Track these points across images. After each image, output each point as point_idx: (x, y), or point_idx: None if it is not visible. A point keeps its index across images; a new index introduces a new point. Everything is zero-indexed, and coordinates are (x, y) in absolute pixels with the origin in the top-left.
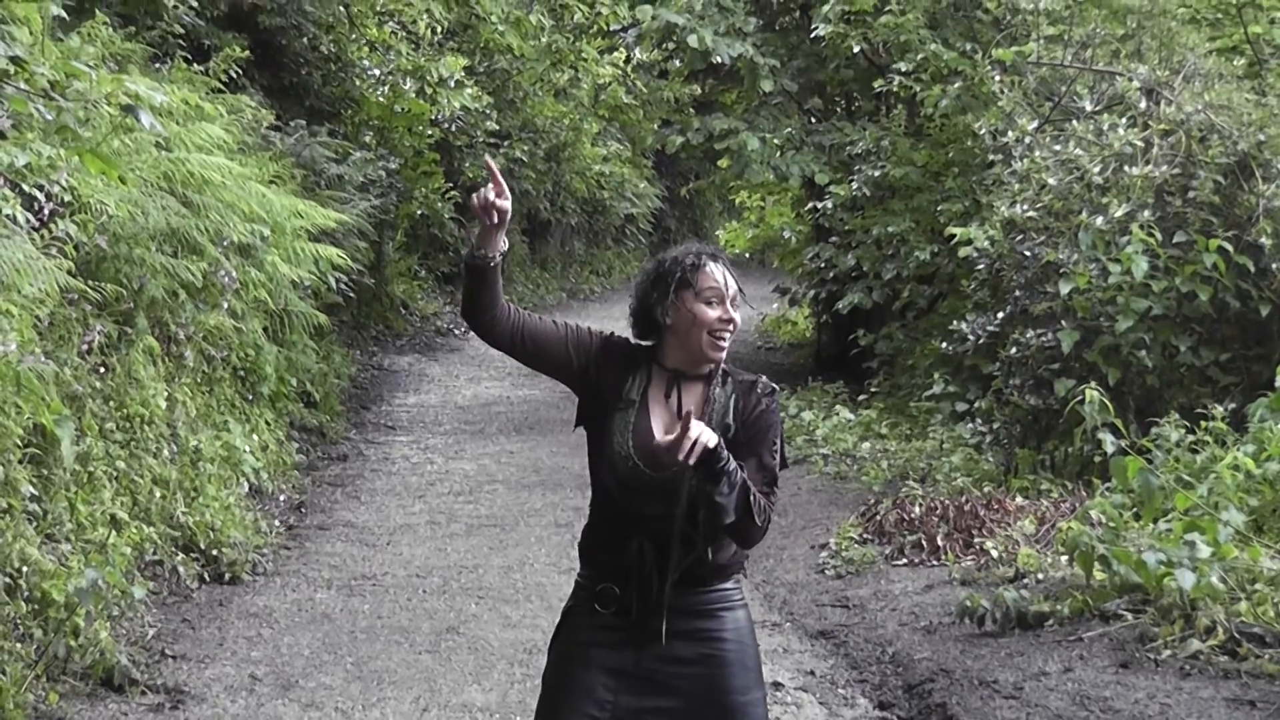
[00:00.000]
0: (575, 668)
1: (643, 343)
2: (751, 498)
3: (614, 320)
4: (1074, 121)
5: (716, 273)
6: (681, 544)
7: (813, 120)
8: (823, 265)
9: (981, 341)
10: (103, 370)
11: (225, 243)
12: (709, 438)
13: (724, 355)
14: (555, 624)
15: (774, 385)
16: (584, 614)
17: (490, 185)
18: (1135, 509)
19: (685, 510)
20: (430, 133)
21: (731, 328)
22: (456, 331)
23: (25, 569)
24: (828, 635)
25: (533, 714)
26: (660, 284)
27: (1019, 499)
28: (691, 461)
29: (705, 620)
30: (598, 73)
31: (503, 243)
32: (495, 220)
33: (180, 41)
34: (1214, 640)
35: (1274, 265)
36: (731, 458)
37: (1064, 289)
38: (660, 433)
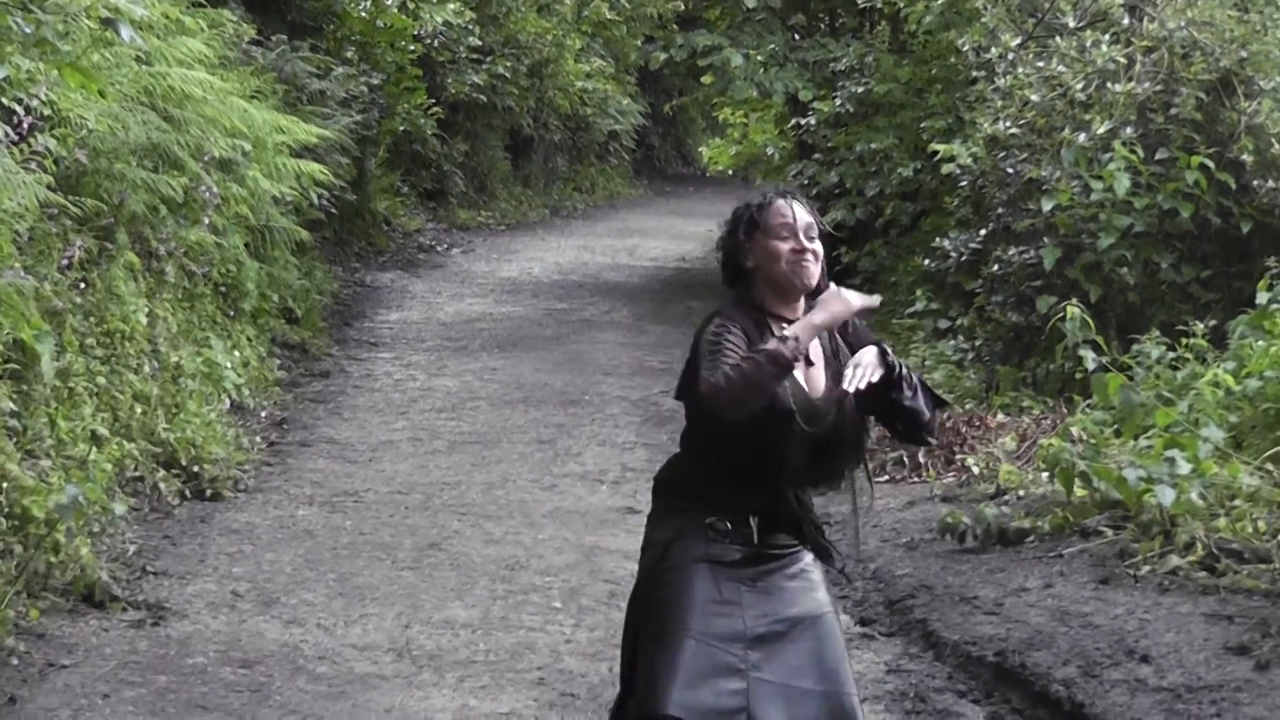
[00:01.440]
0: (700, 585)
1: (740, 301)
2: (922, 387)
3: (597, 236)
4: (1057, 38)
5: (784, 208)
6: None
7: (796, 37)
8: (806, 182)
9: (964, 258)
10: (83, 286)
11: (206, 158)
12: (873, 357)
13: (814, 280)
14: (647, 555)
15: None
16: (694, 539)
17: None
18: (1116, 426)
19: (839, 455)
20: (413, 48)
21: (809, 257)
22: (439, 248)
23: (5, 485)
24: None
25: (516, 628)
26: (735, 231)
27: (1000, 416)
28: (863, 383)
29: (801, 546)
30: None
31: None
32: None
33: None
34: (1193, 556)
35: (1255, 182)
36: (902, 364)
37: (1046, 206)
38: (805, 384)
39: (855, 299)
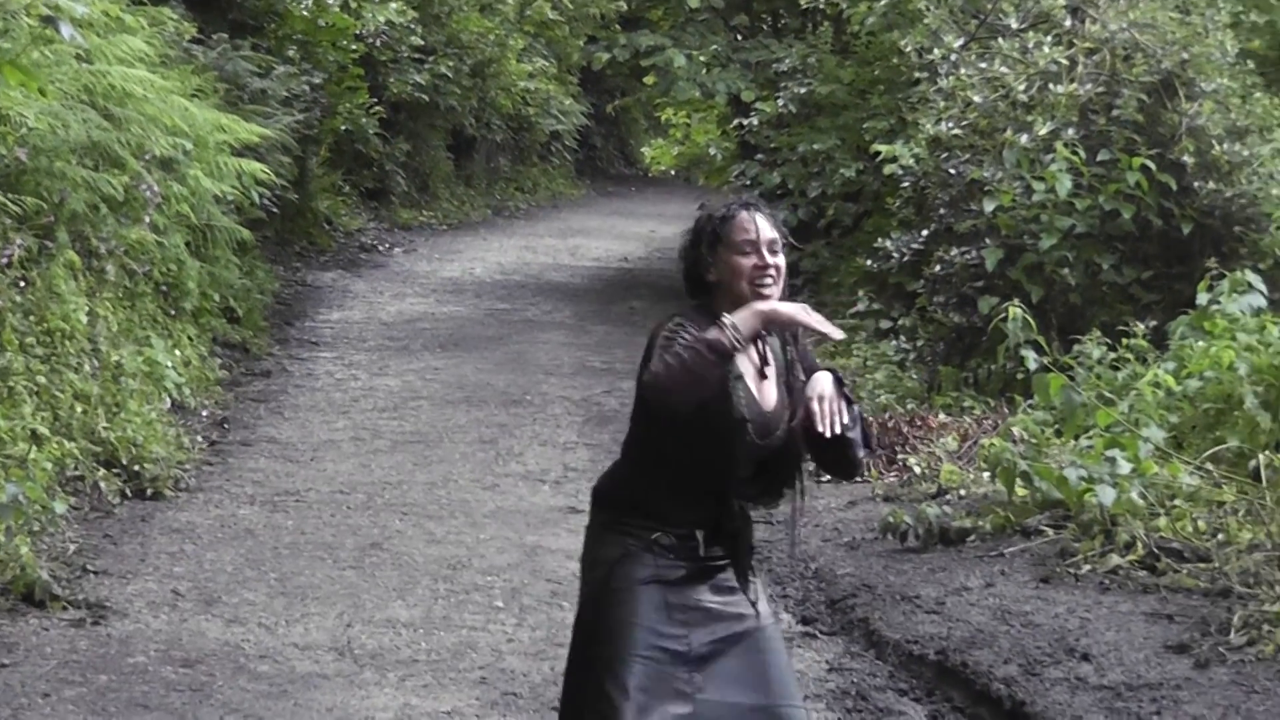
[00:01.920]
0: (648, 609)
1: (701, 309)
2: (865, 424)
3: (539, 236)
4: (999, 39)
5: (748, 221)
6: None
7: (739, 37)
8: (748, 183)
9: (906, 259)
10: (22, 284)
11: (147, 156)
12: (828, 385)
13: (775, 298)
14: (593, 573)
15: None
16: (641, 558)
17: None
18: (1057, 426)
19: (785, 463)
20: (355, 47)
21: (771, 273)
22: (381, 248)
23: None
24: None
25: (458, 628)
26: (697, 243)
27: (942, 416)
28: (843, 426)
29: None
30: None
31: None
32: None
33: None
34: (1133, 555)
35: (1196, 184)
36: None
37: (988, 207)
38: (757, 395)
39: (810, 315)
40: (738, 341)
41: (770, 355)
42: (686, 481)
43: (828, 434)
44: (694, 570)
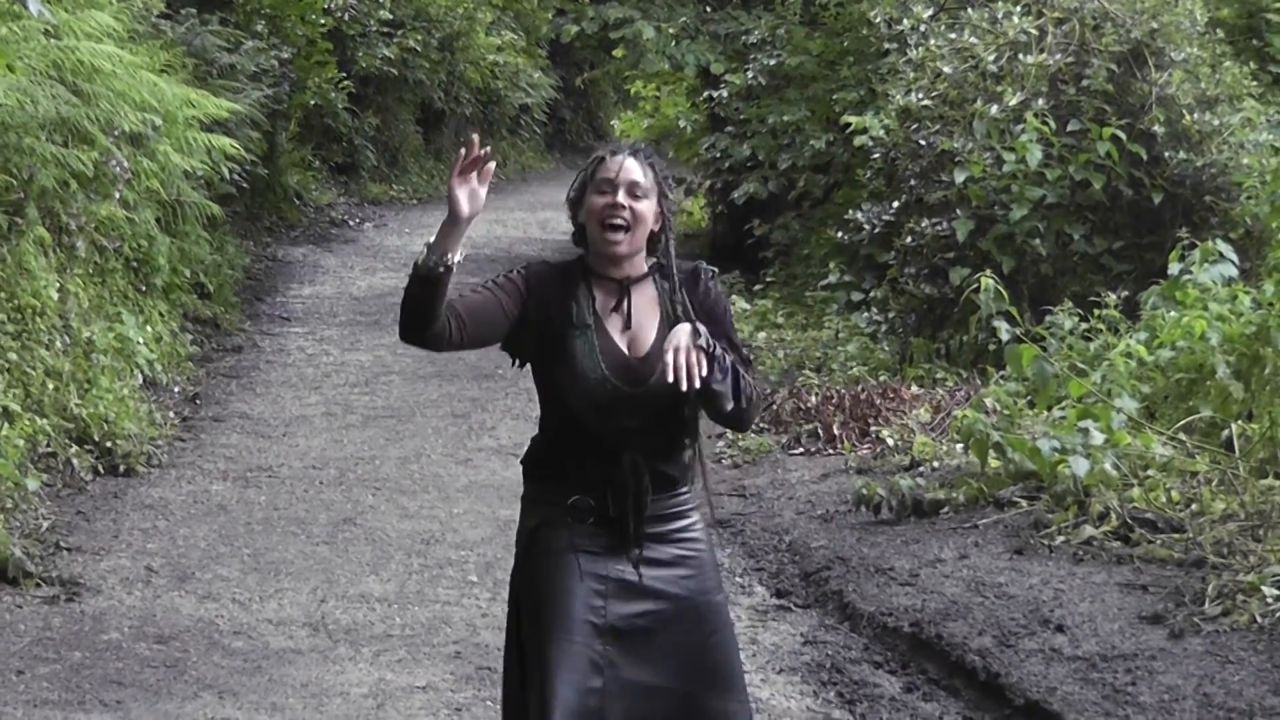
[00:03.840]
0: (562, 579)
1: (569, 258)
2: (741, 380)
3: (509, 210)
4: (969, 9)
5: (613, 163)
6: (669, 449)
7: (708, 9)
8: (718, 155)
9: (876, 230)
10: None
11: (116, 132)
12: (684, 338)
13: (621, 248)
14: (518, 545)
15: (714, 269)
16: (558, 527)
17: (465, 153)
18: (1029, 397)
19: (680, 411)
20: (323, 21)
21: (622, 215)
22: (351, 223)
23: None
24: (725, 524)
25: (431, 603)
26: (573, 186)
27: (914, 388)
28: (698, 380)
29: (676, 522)
30: None
31: (461, 245)
32: (468, 209)
33: None
34: (1107, 526)
35: (1166, 153)
36: (718, 345)
37: (959, 177)
38: (624, 346)
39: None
40: (432, 262)
41: (650, 292)
42: (578, 439)
43: (683, 387)
44: (615, 542)
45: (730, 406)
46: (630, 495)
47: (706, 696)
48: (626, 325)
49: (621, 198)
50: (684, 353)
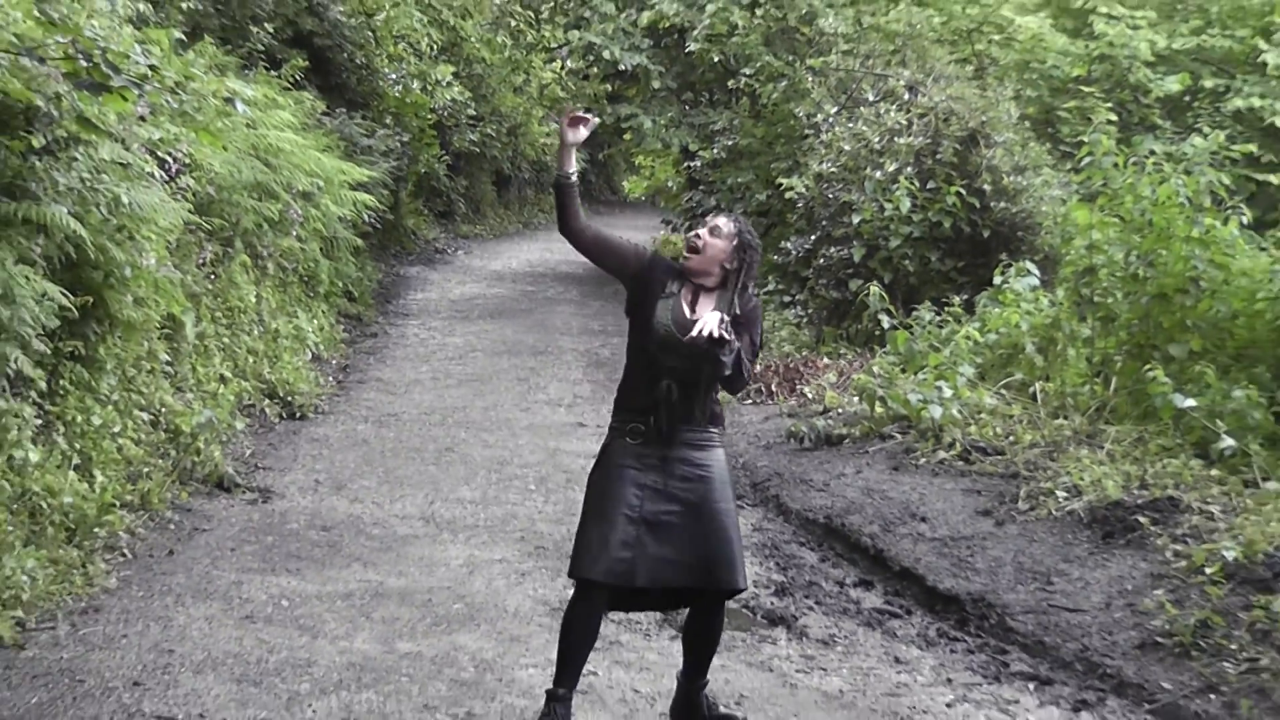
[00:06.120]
0: (614, 483)
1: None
2: (743, 362)
3: (554, 242)
4: (861, 108)
5: (714, 216)
6: (695, 383)
7: (687, 108)
8: (694, 205)
9: (800, 255)
10: (213, 277)
11: (293, 191)
12: (714, 320)
13: (690, 263)
14: (596, 457)
15: (760, 295)
16: (619, 446)
17: (568, 117)
18: (903, 365)
19: (704, 363)
20: (429, 116)
21: (697, 236)
22: (448, 251)
23: (164, 410)
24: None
25: (504, 504)
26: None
27: (826, 360)
28: (704, 335)
29: (700, 452)
30: (542, 76)
31: (575, 163)
32: (572, 139)
33: (261, 55)
34: (954, 452)
35: (992, 203)
36: (735, 333)
37: (855, 220)
38: (688, 312)
39: (702, 331)
40: (560, 174)
41: (715, 297)
42: (639, 372)
43: (701, 341)
44: (659, 459)
45: (727, 373)
46: (664, 408)
47: (706, 566)
48: (693, 307)
49: (703, 231)
50: (705, 325)
